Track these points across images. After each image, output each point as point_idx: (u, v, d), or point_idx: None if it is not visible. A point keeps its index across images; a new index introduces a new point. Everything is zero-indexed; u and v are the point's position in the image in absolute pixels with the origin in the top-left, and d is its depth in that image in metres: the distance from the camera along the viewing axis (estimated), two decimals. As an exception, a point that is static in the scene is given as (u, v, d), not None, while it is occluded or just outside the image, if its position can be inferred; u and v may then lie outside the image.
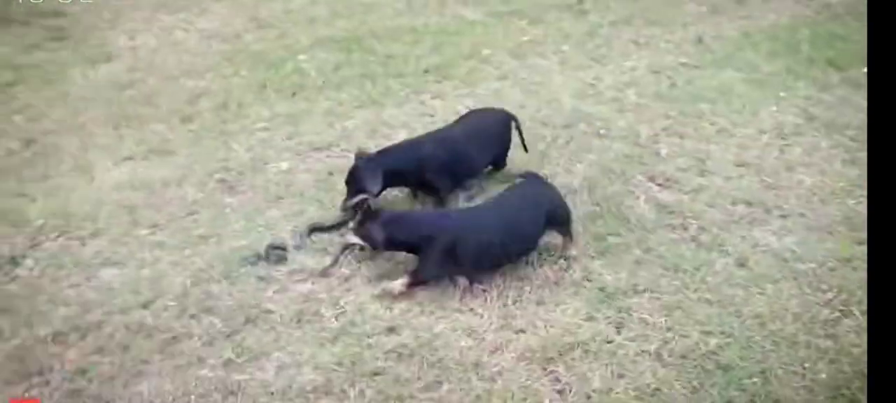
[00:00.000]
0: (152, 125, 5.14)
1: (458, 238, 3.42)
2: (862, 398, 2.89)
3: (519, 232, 3.55)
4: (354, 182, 3.88)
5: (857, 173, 4.37)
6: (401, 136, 4.80)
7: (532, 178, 3.83)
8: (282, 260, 3.66)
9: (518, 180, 3.88)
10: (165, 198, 4.26)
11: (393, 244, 3.51)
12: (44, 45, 6.50)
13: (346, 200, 3.91)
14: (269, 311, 3.35)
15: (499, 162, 4.35)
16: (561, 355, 3.11)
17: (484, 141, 4.22)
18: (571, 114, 5.07)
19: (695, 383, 2.98)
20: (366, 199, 3.76)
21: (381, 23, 6.93)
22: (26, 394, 2.96)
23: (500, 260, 3.53)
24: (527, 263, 3.62)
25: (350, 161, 4.00)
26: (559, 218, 3.67)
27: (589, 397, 2.92)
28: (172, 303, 3.40)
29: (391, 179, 3.96)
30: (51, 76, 5.95)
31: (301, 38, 6.62)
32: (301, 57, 6.22)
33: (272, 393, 2.93)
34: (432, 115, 5.16)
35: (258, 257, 3.67)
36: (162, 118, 5.24)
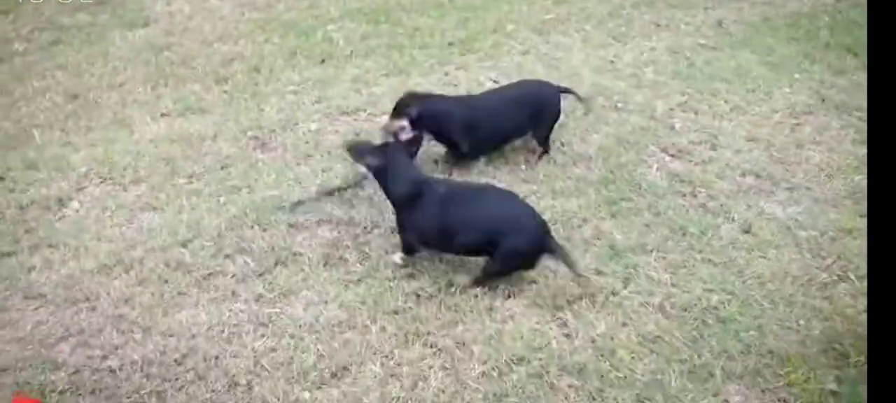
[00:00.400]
0: (188, 85, 5.38)
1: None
2: (851, 352, 3.07)
3: None
4: (397, 111, 4.17)
5: (865, 152, 4.52)
6: (425, 104, 5.02)
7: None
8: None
9: None
10: (201, 151, 4.50)
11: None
12: (86, 7, 6.78)
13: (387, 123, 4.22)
14: (298, 254, 3.59)
15: (538, 137, 4.40)
16: (569, 303, 3.31)
17: (515, 112, 4.32)
18: (591, 88, 5.24)
19: (694, 333, 3.18)
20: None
21: (409, -3, 7.12)
22: (76, 318, 3.22)
23: None
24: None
25: (375, 125, 4.23)
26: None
27: (593, 340, 3.12)
28: (209, 244, 3.64)
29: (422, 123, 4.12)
30: (92, 37, 6.21)
31: (331, 9, 6.83)
32: (330, 26, 6.42)
33: (300, 326, 3.17)
34: (456, 85, 5.36)
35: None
36: (197, 79, 5.48)
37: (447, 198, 3.36)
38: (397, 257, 3.55)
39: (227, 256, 3.58)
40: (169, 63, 5.75)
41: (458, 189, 3.59)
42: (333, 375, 2.94)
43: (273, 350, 3.05)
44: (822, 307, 3.34)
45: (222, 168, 4.34)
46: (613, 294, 3.37)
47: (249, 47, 6.05)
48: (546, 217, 3.82)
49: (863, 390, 2.88)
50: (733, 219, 3.88)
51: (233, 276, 3.45)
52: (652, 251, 3.65)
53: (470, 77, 5.50)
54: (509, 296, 3.35)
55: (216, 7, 6.98)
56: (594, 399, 2.87)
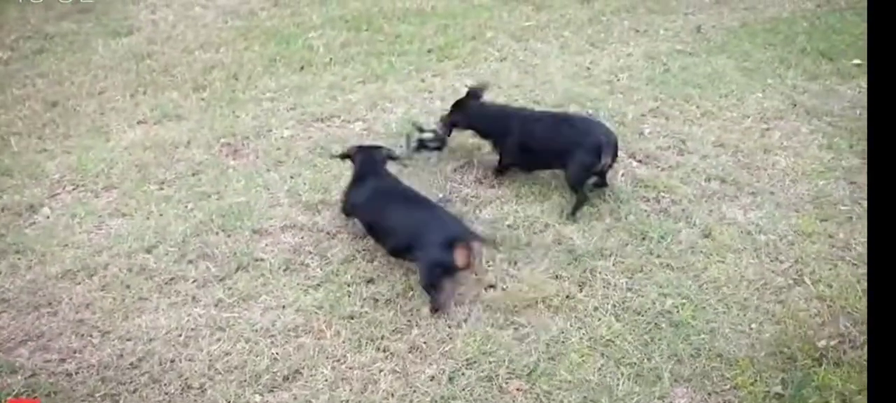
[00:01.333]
0: (167, 93, 5.45)
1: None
2: (799, 356, 3.10)
3: None
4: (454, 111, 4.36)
5: (831, 156, 4.56)
6: (400, 111, 5.09)
7: None
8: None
9: None
10: (174, 158, 4.56)
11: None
12: (71, 15, 6.85)
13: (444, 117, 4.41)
14: (260, 259, 3.64)
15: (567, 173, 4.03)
16: (525, 307, 3.35)
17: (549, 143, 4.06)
18: (563, 95, 5.29)
19: (646, 337, 3.21)
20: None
21: (391, 4, 7.17)
22: (37, 323, 3.27)
23: None
24: (503, 225, 3.86)
25: (349, 131, 4.29)
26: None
27: (546, 344, 3.16)
28: (173, 249, 3.70)
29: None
30: (75, 46, 6.28)
31: (313, 17, 6.89)
32: (312, 34, 6.49)
33: (256, 330, 3.22)
34: (431, 91, 5.42)
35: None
36: (176, 86, 5.54)
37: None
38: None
39: (190, 262, 3.63)
40: (149, 71, 5.81)
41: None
42: (285, 378, 2.99)
43: (227, 353, 3.10)
44: (774, 311, 3.37)
45: (193, 174, 4.39)
46: (569, 297, 3.41)
47: (230, 55, 6.11)
48: (509, 221, 3.91)
49: (807, 394, 2.92)
50: (694, 224, 3.92)
51: (194, 281, 3.50)
52: (610, 255, 3.69)
53: (446, 83, 5.56)
54: (463, 302, 3.39)
55: (200, 15, 7.05)
56: (541, 401, 2.91)
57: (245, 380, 2.97)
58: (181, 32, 6.62)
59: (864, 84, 5.52)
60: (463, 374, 3.02)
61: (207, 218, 3.94)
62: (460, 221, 3.56)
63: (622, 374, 3.03)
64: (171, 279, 3.52)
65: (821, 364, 3.09)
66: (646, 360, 3.10)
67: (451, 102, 4.45)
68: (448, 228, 3.36)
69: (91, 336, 3.21)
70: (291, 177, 4.33)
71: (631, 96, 5.30)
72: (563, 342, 3.18)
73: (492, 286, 3.50)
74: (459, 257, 3.22)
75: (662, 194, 4.17)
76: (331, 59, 5.99)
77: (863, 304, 3.39)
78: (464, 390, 2.94)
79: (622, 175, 4.35)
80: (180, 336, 3.19)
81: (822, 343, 3.18)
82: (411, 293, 3.42)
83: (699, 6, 7.05)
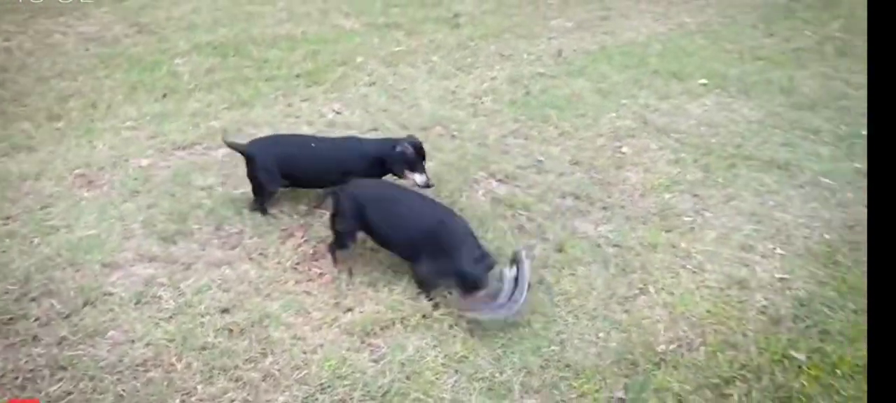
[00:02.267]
0: (18, 123, 5.20)
1: None
2: (641, 361, 3.27)
3: None
4: None
5: (678, 171, 4.86)
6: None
7: None
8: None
9: None
10: (22, 192, 4.35)
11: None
12: (-87, 43, 6.44)
13: None
14: (110, 293, 3.52)
15: None
16: (382, 329, 3.38)
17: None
18: (429, 118, 5.40)
19: (498, 351, 3.31)
20: None
21: (260, 30, 7.13)
22: None
23: None
24: (366, 249, 3.90)
25: (211, 158, 4.21)
26: None
27: (402, 364, 3.20)
28: (13, 287, 3.52)
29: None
30: (-84, 75, 5.91)
31: (180, 43, 6.77)
32: (177, 60, 6.37)
33: (101, 367, 3.10)
34: (298, 116, 5.42)
35: None
36: (28, 116, 5.31)
37: None
38: None
39: (32, 299, 3.46)
40: (-1, 100, 5.54)
41: None
42: (130, 416, 2.90)
43: (69, 394, 2.96)
44: (620, 319, 3.54)
45: (42, 208, 4.20)
46: (425, 317, 3.47)
47: (89, 83, 5.91)
48: (369, 244, 3.93)
49: (646, 396, 3.08)
50: (548, 239, 4.07)
51: (36, 320, 3.34)
52: (468, 274, 3.78)
53: (314, 108, 5.57)
54: (322, 326, 3.39)
55: (59, 42, 6.80)
56: (394, 421, 2.94)
57: (87, 420, 2.86)
58: (37, 60, 6.36)
59: (710, 102, 5.92)
60: (316, 399, 3.01)
61: (54, 252, 3.78)
62: None
63: (475, 389, 3.10)
64: (10, 319, 3.34)
65: (660, 368, 3.26)
66: (498, 374, 3.18)
67: (320, 127, 4.43)
68: None
69: (-83, 384, 3.01)
70: (148, 208, 4.21)
71: (494, 118, 5.47)
72: (418, 361, 3.23)
73: (350, 309, 3.52)
74: None
75: (520, 211, 4.32)
76: (195, 85, 5.89)
77: (700, 309, 3.61)
78: (317, 415, 2.94)
79: (483, 195, 4.47)
80: (17, 378, 3.03)
81: (661, 348, 3.37)
82: (267, 321, 3.40)
83: (561, 31, 7.37)
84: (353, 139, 4.40)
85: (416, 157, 4.09)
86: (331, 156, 4.18)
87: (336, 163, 4.12)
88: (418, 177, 4.10)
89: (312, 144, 4.25)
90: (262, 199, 4.20)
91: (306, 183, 4.25)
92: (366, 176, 4.02)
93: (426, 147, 4.81)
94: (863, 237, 4.21)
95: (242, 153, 4.15)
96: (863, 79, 6.58)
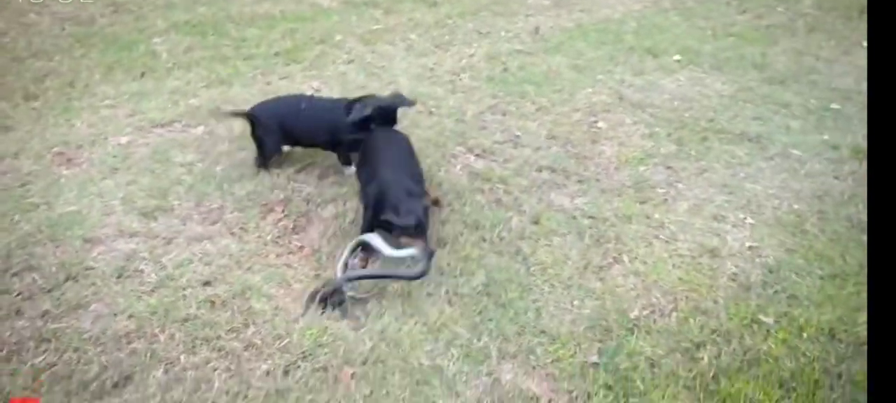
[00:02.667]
0: (-6, 103, 5.19)
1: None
2: (614, 327, 3.37)
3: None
4: None
5: (652, 144, 4.94)
6: (243, 114, 5.07)
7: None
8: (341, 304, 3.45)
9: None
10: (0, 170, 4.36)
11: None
12: None
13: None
14: (91, 268, 3.55)
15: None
16: (361, 300, 3.45)
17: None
18: (408, 95, 5.42)
19: (476, 318, 3.39)
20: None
21: (239, 9, 7.12)
22: None
23: None
24: (345, 221, 3.95)
25: (190, 136, 4.24)
26: None
27: (382, 332, 3.27)
28: (-6, 263, 3.55)
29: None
30: None
31: (158, 22, 6.75)
32: (155, 39, 6.36)
33: (85, 339, 3.15)
34: (276, 94, 5.41)
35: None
36: (4, 96, 5.29)
37: None
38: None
39: (14, 275, 3.49)
40: (-26, 81, 5.51)
41: None
42: (115, 385, 2.94)
43: (53, 365, 3.01)
44: (594, 288, 3.63)
45: (21, 186, 4.22)
46: (404, 287, 3.54)
47: (66, 62, 5.89)
48: (349, 218, 3.99)
49: (619, 360, 3.18)
50: (524, 212, 4.15)
51: (18, 294, 3.38)
52: (446, 244, 3.85)
53: (293, 87, 5.59)
54: (301, 298, 3.45)
55: (34, 22, 6.75)
56: (374, 386, 3.01)
57: (72, 390, 2.90)
58: (12, 40, 6.32)
59: (684, 77, 6.02)
60: (298, 367, 3.08)
61: (35, 229, 3.81)
62: None
63: (452, 355, 3.18)
64: (-7, 294, 3.38)
65: (633, 333, 3.36)
66: (475, 340, 3.27)
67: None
68: None
69: None
70: (127, 184, 4.24)
71: (471, 95, 5.52)
72: (397, 329, 3.30)
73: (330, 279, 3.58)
74: None
75: (497, 185, 4.39)
76: (174, 64, 5.89)
77: (673, 277, 3.71)
78: (298, 382, 3.00)
79: (460, 169, 4.54)
80: (2, 350, 3.07)
81: (634, 314, 3.47)
82: (249, 293, 3.45)
83: (538, 8, 7.43)
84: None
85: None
86: (321, 118, 4.30)
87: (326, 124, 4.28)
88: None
89: (303, 106, 4.37)
90: (263, 159, 4.40)
91: (302, 143, 4.45)
92: (353, 135, 4.19)
93: (404, 123, 4.89)
94: (830, 207, 4.33)
95: (246, 117, 4.37)
96: (832, 54, 6.71)
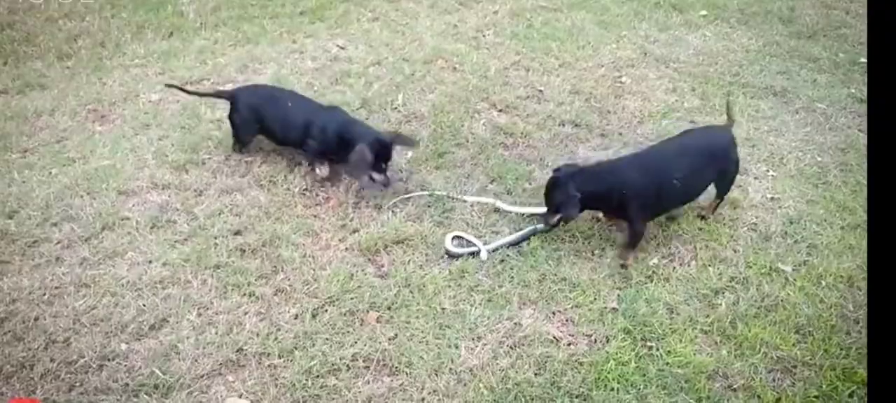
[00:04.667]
0: (29, 62, 5.33)
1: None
2: (634, 274, 3.43)
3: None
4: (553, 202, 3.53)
5: (675, 99, 4.95)
6: (269, 71, 5.16)
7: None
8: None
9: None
10: (37, 127, 4.50)
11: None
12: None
13: (546, 216, 3.60)
14: (126, 218, 3.68)
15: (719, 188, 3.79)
16: (386, 248, 3.55)
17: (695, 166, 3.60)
18: (432, 51, 5.49)
19: (498, 267, 3.47)
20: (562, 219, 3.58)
21: (264, -31, 7.17)
22: None
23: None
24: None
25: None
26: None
27: (406, 279, 3.37)
28: (35, 213, 3.69)
29: (588, 203, 3.53)
30: (-73, 17, 6.01)
31: (184, -18, 6.82)
32: (182, 0, 6.43)
33: (122, 285, 3.28)
34: (302, 52, 5.51)
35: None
36: (39, 55, 5.43)
37: None
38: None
39: (53, 224, 3.63)
40: (10, 41, 5.65)
41: None
42: (152, 327, 3.07)
43: (93, 308, 3.15)
44: (614, 237, 3.69)
45: (58, 141, 4.36)
46: (425, 236, 3.62)
47: (96, 23, 6.00)
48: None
49: (638, 306, 3.24)
50: (546, 165, 4.20)
51: (58, 243, 3.52)
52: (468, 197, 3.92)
53: (318, 44, 5.66)
54: (328, 246, 3.56)
55: (64, -17, 6.85)
56: (399, 329, 3.11)
57: (110, 331, 3.04)
58: (45, 2, 6.42)
59: (709, 32, 5.98)
60: (326, 311, 3.19)
61: (72, 182, 3.94)
62: None
63: (475, 300, 3.27)
64: (34, 242, 3.52)
65: (652, 281, 3.42)
66: (497, 287, 3.35)
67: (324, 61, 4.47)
68: None
69: (-50, 301, 3.20)
70: (159, 139, 4.36)
71: (495, 51, 5.55)
72: (421, 276, 3.39)
73: (356, 230, 3.67)
74: None
75: (520, 139, 4.44)
76: (201, 23, 5.98)
77: (693, 227, 3.75)
78: (326, 325, 3.11)
79: (483, 124, 4.59)
80: (44, 294, 3.22)
81: (654, 262, 3.52)
82: (278, 242, 3.56)
83: (563, -36, 7.37)
84: (337, 110, 4.14)
85: (375, 161, 3.81)
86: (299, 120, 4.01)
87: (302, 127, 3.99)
88: (376, 176, 3.86)
89: (289, 104, 4.11)
90: (239, 142, 4.23)
91: (275, 139, 4.20)
92: (329, 149, 3.95)
93: (428, 80, 4.96)
94: (854, 159, 4.32)
95: (227, 97, 4.19)
96: (862, 7, 6.60)
